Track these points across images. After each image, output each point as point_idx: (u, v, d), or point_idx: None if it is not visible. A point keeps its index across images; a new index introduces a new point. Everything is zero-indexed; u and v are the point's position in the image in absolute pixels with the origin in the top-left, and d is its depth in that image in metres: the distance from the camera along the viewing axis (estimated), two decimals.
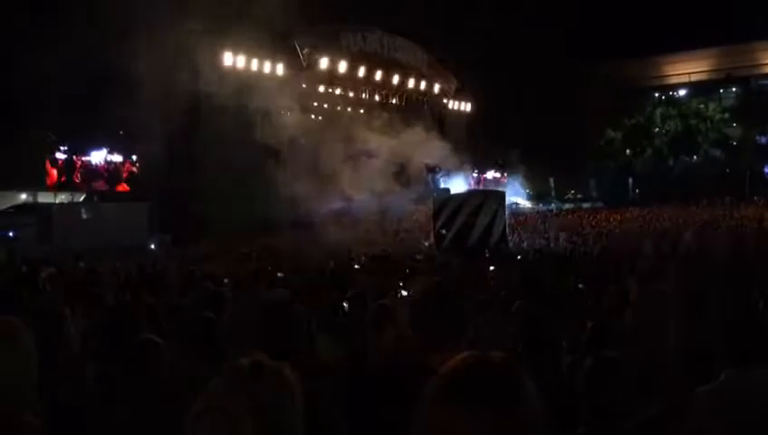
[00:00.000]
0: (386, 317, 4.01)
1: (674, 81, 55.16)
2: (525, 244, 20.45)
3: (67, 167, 28.55)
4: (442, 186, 26.14)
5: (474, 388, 1.06)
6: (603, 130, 51.08)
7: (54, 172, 28.01)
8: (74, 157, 28.80)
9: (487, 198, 20.84)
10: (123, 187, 30.40)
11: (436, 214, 20.86)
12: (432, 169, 27.37)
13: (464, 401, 1.05)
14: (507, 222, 21.16)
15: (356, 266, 12.61)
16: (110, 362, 2.99)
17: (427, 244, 20.06)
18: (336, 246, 18.46)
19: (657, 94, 53.53)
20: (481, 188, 25.33)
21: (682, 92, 53.68)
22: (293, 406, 1.34)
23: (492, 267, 10.69)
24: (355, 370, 3.36)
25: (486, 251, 17.65)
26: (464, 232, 19.53)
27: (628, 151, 50.67)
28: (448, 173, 26.84)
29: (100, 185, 29.79)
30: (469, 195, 22.17)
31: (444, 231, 20.08)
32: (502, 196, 21.71)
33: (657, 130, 50.22)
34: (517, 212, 42.97)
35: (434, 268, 11.09)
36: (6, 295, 6.67)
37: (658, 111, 50.74)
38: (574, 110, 52.45)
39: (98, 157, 30.45)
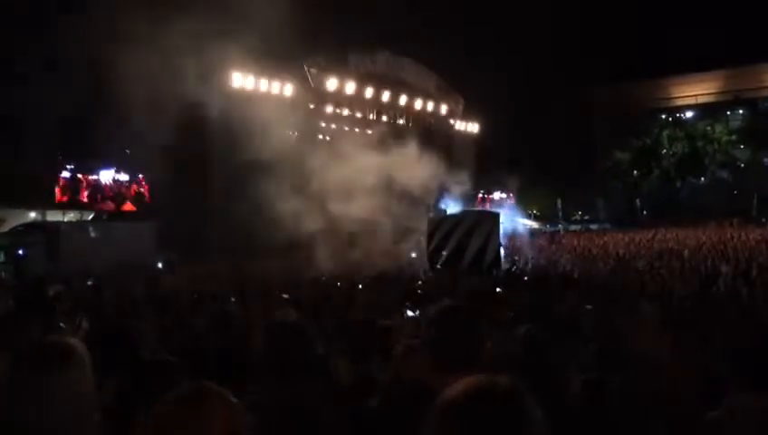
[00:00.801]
0: (389, 339, 4.01)
1: (681, 102, 55.25)
2: (530, 265, 20.26)
3: (72, 186, 28.75)
4: (445, 208, 26.04)
5: (477, 413, 1.05)
6: (611, 152, 51.09)
7: (59, 191, 28.24)
8: (80, 176, 29.00)
9: (481, 219, 20.56)
10: (129, 206, 30.58)
11: (431, 234, 20.70)
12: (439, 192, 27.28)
13: (467, 427, 1.04)
14: (501, 243, 20.96)
15: (359, 286, 12.56)
16: (117, 381, 2.98)
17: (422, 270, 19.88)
18: (341, 266, 18.43)
19: (664, 116, 53.61)
20: (479, 208, 25.08)
21: (689, 114, 53.73)
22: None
23: (498, 289, 10.64)
24: (363, 392, 3.35)
25: (494, 272, 17.50)
26: (457, 253, 19.34)
27: (635, 173, 50.61)
28: (450, 196, 26.71)
29: (107, 204, 29.96)
30: (463, 215, 21.86)
31: (438, 252, 19.91)
32: (496, 216, 21.42)
33: (664, 151, 50.21)
34: (525, 233, 42.98)
35: (443, 290, 11.05)
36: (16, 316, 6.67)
37: (666, 133, 50.77)
38: (582, 131, 52.60)
39: (106, 176, 30.69)
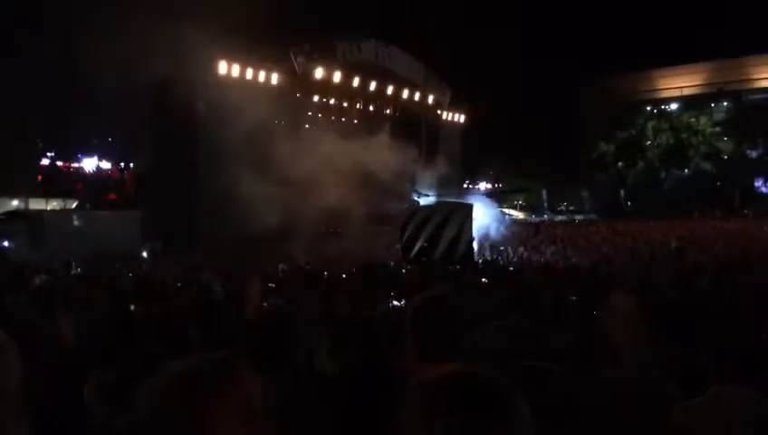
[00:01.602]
0: (373, 329, 4.03)
1: (666, 94, 55.57)
2: (515, 257, 20.34)
3: (52, 173, 28.55)
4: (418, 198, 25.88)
5: (457, 402, 1.04)
6: (596, 143, 51.37)
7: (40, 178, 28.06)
8: (60, 163, 28.79)
9: (454, 211, 20.47)
10: (111, 195, 30.45)
11: (404, 225, 20.63)
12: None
13: (447, 416, 1.03)
14: (473, 235, 20.92)
15: (343, 276, 12.58)
16: (104, 371, 2.99)
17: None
18: (325, 255, 18.44)
19: (649, 108, 53.92)
20: (452, 200, 24.81)
21: (674, 106, 54.08)
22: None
23: (484, 279, 10.70)
24: (347, 383, 3.38)
25: (468, 263, 17.45)
26: (430, 244, 19.33)
27: (620, 164, 50.93)
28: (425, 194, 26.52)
29: (89, 192, 29.79)
30: (437, 206, 21.78)
31: (411, 243, 19.86)
32: (469, 208, 21.32)
33: (648, 143, 50.55)
34: (510, 223, 43.16)
35: (428, 280, 11.09)
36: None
37: (650, 125, 51.08)
38: (567, 122, 52.79)
39: (89, 164, 30.46)
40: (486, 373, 1.10)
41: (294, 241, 19.80)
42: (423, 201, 24.25)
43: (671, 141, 49.44)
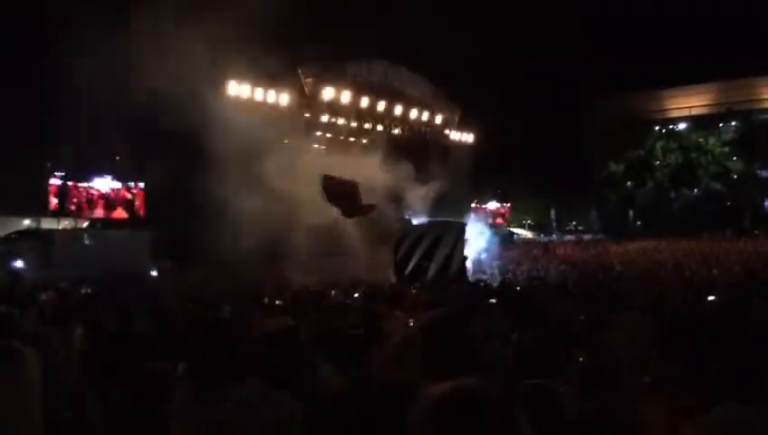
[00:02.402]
0: (379, 345, 4.04)
1: (675, 114, 55.57)
2: (523, 275, 20.23)
3: (62, 194, 28.82)
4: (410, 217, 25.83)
5: (457, 418, 1.04)
6: (605, 163, 51.29)
7: (53, 199, 28.33)
8: (70, 183, 29.06)
9: (447, 230, 20.48)
10: (120, 213, 30.65)
11: (397, 245, 20.58)
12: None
13: (447, 431, 1.04)
14: (465, 254, 20.82)
15: (355, 295, 12.55)
16: (113, 387, 2.99)
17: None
18: (330, 273, 18.42)
19: (657, 127, 53.89)
20: (445, 219, 24.65)
21: (682, 126, 54.02)
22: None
23: (493, 299, 10.64)
24: (353, 398, 3.36)
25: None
26: (424, 263, 19.29)
27: (629, 184, 50.78)
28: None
29: (96, 212, 30.04)
30: (429, 226, 21.77)
31: (404, 262, 19.80)
32: (462, 227, 21.31)
33: (658, 162, 50.40)
34: (517, 242, 43.03)
35: (435, 298, 11.04)
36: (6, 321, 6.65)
37: (659, 145, 50.97)
38: (576, 142, 52.82)
39: (101, 184, 30.73)
40: (487, 389, 1.10)
41: (298, 260, 19.82)
42: (415, 221, 24.24)
43: (680, 161, 49.29)
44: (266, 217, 20.27)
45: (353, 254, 21.47)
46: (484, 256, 24.29)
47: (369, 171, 23.52)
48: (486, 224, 29.04)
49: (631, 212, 51.24)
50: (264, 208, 20.22)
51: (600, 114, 54.30)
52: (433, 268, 19.13)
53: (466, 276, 19.19)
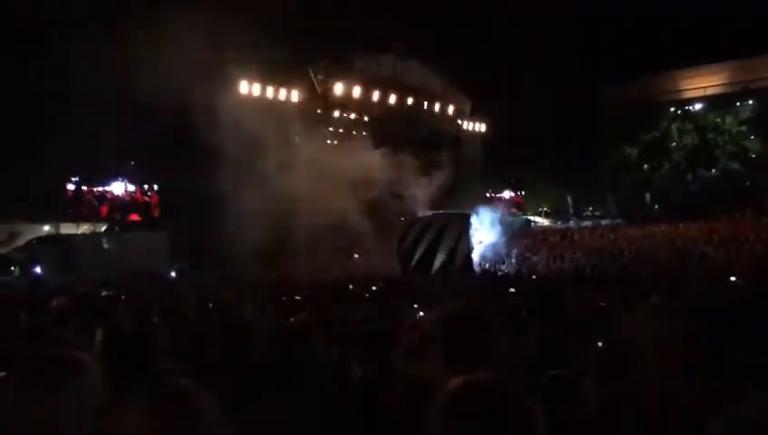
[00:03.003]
0: (398, 339, 4.04)
1: (690, 95, 54.80)
2: (541, 263, 20.10)
3: (77, 198, 29.19)
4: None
5: (472, 411, 1.04)
6: (619, 147, 50.79)
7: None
8: (84, 188, 29.42)
9: (450, 222, 20.22)
10: (135, 216, 31.02)
11: (402, 238, 20.44)
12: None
13: (463, 424, 1.03)
14: (472, 246, 20.56)
15: (373, 288, 12.58)
16: (129, 394, 3.00)
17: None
18: (347, 268, 18.47)
19: (672, 109, 53.22)
20: (450, 211, 24.29)
21: (698, 106, 53.30)
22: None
23: (512, 289, 10.61)
24: (374, 393, 3.36)
25: (468, 274, 17.18)
26: (428, 256, 19.12)
27: (645, 167, 50.26)
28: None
29: (112, 216, 30.41)
30: (433, 218, 21.56)
31: (409, 255, 19.66)
32: (466, 219, 21.02)
33: (674, 144, 49.82)
34: (535, 229, 42.82)
35: (453, 290, 11.05)
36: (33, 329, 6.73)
37: (675, 126, 50.37)
38: (590, 127, 52.33)
39: (117, 188, 31.08)
40: (501, 383, 1.10)
41: (313, 256, 19.90)
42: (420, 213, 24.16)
43: (696, 142, 48.68)
44: (280, 215, 20.37)
45: (365, 248, 21.53)
46: (497, 246, 24.01)
47: (370, 165, 23.55)
48: (500, 213, 28.70)
49: (648, 195, 50.72)
50: (278, 206, 20.31)
51: (612, 98, 53.73)
52: (438, 261, 19.01)
53: (472, 268, 19.06)
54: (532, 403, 1.08)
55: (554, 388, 2.42)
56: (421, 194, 26.02)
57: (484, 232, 23.82)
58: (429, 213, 23.60)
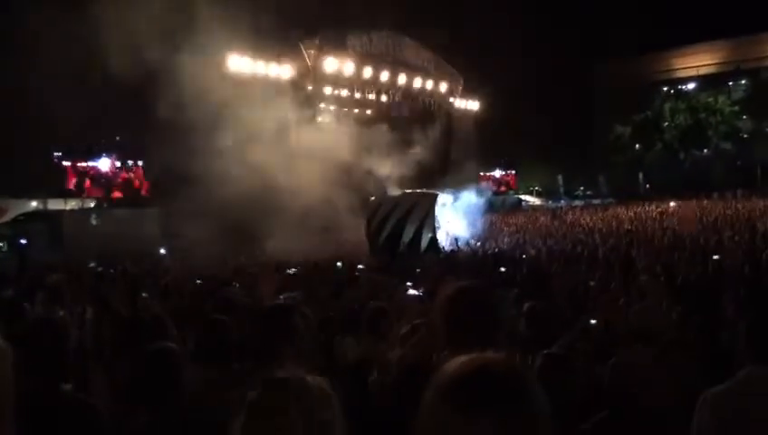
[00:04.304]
0: (389, 318, 4.02)
1: (682, 74, 54.81)
2: (532, 243, 20.07)
3: (61, 173, 29.17)
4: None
5: (473, 392, 1.01)
6: (611, 126, 50.82)
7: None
8: (66, 163, 29.30)
9: (416, 204, 19.97)
10: (119, 192, 30.94)
11: (369, 219, 20.35)
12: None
13: (462, 406, 1.00)
14: (438, 225, 20.38)
15: (360, 267, 12.57)
16: (122, 369, 2.97)
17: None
18: (337, 246, 18.46)
19: (665, 88, 53.22)
20: (417, 190, 23.94)
21: (691, 86, 53.34)
22: (335, 422, 1.30)
23: (502, 268, 10.61)
24: (366, 372, 3.34)
25: (435, 254, 17.06)
26: (394, 238, 19.02)
27: (637, 146, 50.36)
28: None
29: (94, 192, 30.31)
30: (400, 199, 21.27)
31: (376, 235, 19.55)
32: (432, 200, 20.76)
33: (666, 124, 49.89)
34: (525, 209, 42.92)
35: (446, 270, 11.04)
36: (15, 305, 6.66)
37: (667, 106, 50.41)
38: (581, 106, 52.31)
39: (103, 164, 30.88)
40: (502, 361, 1.06)
41: (299, 235, 19.84)
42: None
43: (689, 122, 48.77)
44: (267, 193, 20.28)
45: (346, 228, 21.50)
46: (473, 227, 23.69)
47: (341, 144, 23.44)
48: (486, 192, 28.34)
49: (641, 175, 50.87)
50: (265, 184, 20.21)
51: (604, 77, 53.67)
52: (404, 241, 18.89)
53: (439, 249, 18.94)
54: (534, 383, 1.05)
55: (549, 366, 2.39)
56: (394, 172, 25.88)
57: (461, 213, 23.61)
58: (397, 193, 23.42)
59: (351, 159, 24.20)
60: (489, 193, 37.96)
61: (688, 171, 47.22)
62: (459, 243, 18.99)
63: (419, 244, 18.90)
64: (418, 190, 23.32)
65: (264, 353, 2.52)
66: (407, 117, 36.41)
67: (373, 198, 23.96)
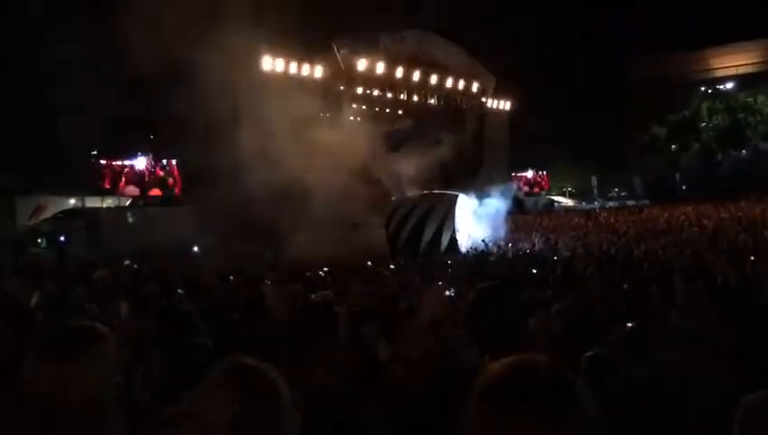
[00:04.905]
0: (419, 317, 4.02)
1: (720, 74, 53.61)
2: (565, 245, 19.81)
3: (97, 171, 29.83)
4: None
5: (517, 393, 1.00)
6: (647, 127, 49.92)
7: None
8: (103, 162, 29.94)
9: (435, 205, 19.76)
10: (155, 191, 31.45)
11: (388, 220, 20.21)
12: None
13: (506, 407, 0.99)
14: (456, 227, 20.14)
15: (391, 266, 12.58)
16: (154, 363, 3.01)
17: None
18: (369, 246, 18.47)
19: (703, 88, 52.10)
20: (437, 192, 23.63)
21: (729, 85, 52.13)
22: (279, 409, 1.30)
23: (534, 270, 10.53)
24: (395, 369, 3.34)
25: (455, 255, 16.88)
26: (413, 239, 18.87)
27: (673, 147, 49.38)
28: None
29: (129, 190, 30.88)
30: (419, 200, 21.09)
31: (395, 237, 19.42)
32: (452, 201, 20.51)
33: (703, 124, 48.84)
34: (558, 210, 42.44)
35: (478, 271, 10.98)
36: (59, 299, 6.84)
37: (705, 106, 49.33)
38: (616, 106, 51.50)
39: (138, 162, 31.48)
40: (549, 363, 1.05)
41: (330, 233, 19.89)
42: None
43: (727, 122, 47.66)
44: (296, 193, 20.40)
45: (374, 226, 21.51)
46: (493, 229, 23.35)
47: (370, 144, 23.35)
48: (504, 192, 27.92)
49: (677, 176, 49.88)
50: (293, 183, 20.32)
51: (640, 77, 52.74)
52: (423, 242, 18.77)
53: (458, 249, 18.77)
54: (581, 384, 1.04)
55: (595, 369, 2.37)
56: (423, 172, 25.75)
57: (486, 215, 23.36)
58: (417, 194, 23.30)
59: (380, 159, 24.22)
60: (516, 193, 37.48)
61: (726, 172, 46.11)
62: (486, 244, 18.84)
63: (439, 244, 18.82)
64: (437, 191, 23.22)
65: (299, 350, 2.54)
66: (438, 117, 36.29)
67: (394, 198, 23.94)
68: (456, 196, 21.17)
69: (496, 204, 24.04)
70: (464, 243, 20.01)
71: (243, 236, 22.42)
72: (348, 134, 24.61)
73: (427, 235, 19.02)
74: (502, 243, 20.21)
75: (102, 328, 1.71)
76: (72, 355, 1.59)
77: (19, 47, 22.66)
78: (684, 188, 48.82)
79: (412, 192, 24.39)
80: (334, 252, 16.17)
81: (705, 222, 22.23)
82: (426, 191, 23.52)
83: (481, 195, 23.94)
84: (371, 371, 3.33)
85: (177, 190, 32.26)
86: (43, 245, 22.94)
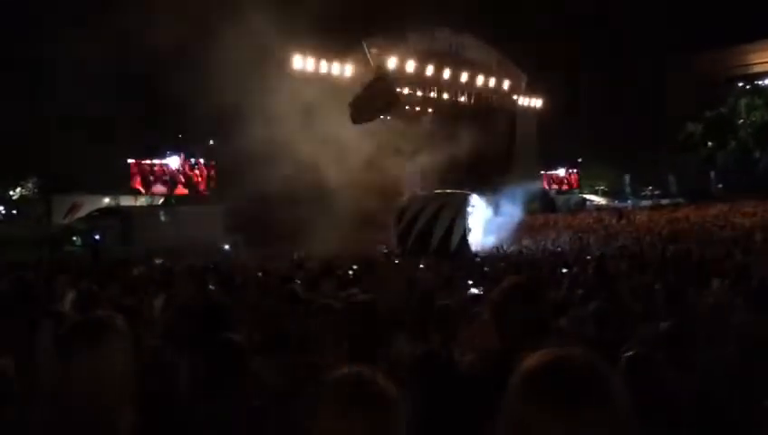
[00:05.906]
0: (448, 316, 4.01)
1: (759, 69, 52.29)
2: (596, 244, 19.56)
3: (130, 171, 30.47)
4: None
5: (553, 387, 1.01)
6: (681, 123, 48.94)
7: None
8: (130, 161, 30.56)
9: (445, 204, 19.65)
10: (183, 189, 31.96)
11: (398, 218, 20.16)
12: None
13: (543, 401, 1.00)
14: (468, 226, 19.99)
15: (421, 266, 12.55)
16: (189, 358, 3.05)
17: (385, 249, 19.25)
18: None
19: (741, 84, 50.87)
20: (452, 191, 23.41)
21: None
22: (397, 420, 1.28)
23: (565, 269, 10.40)
24: (425, 368, 3.33)
25: (465, 255, 16.76)
26: (423, 238, 18.79)
27: (709, 144, 48.31)
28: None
29: (158, 189, 31.44)
30: (430, 199, 21.00)
31: (406, 235, 19.36)
32: (462, 200, 20.34)
33: (741, 121, 47.70)
34: (589, 208, 41.90)
35: (507, 269, 10.91)
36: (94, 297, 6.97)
37: (743, 102, 48.16)
38: (652, 102, 50.58)
39: (174, 162, 32.00)
40: (585, 357, 1.05)
41: (355, 232, 19.94)
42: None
43: (766, 118, 46.47)
44: (326, 191, 20.49)
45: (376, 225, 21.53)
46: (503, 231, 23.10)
47: (398, 143, 23.25)
48: (525, 193, 27.54)
49: (712, 174, 48.81)
50: (338, 181, 20.40)
51: (677, 72, 51.72)
52: (433, 241, 18.70)
53: (469, 249, 18.67)
54: (615, 379, 1.04)
55: (636, 368, 2.34)
56: (452, 170, 25.64)
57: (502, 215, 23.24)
58: (428, 193, 23.21)
59: (408, 158, 24.18)
60: (548, 191, 37.03)
61: (763, 171, 44.97)
62: (498, 250, 18.82)
63: (449, 244, 18.78)
64: (449, 190, 23.15)
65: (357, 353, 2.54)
66: (468, 115, 36.12)
67: (406, 197, 23.95)
68: (467, 195, 21.14)
69: (510, 209, 24.04)
70: (474, 242, 20.01)
71: (271, 234, 22.65)
72: (375, 133, 24.64)
73: (438, 233, 19.01)
74: (513, 247, 20.11)
75: (119, 322, 1.74)
76: (85, 348, 1.62)
77: (47, 48, 23.10)
78: (720, 186, 47.78)
79: (444, 189, 24.41)
80: (360, 250, 16.22)
81: (742, 221, 21.75)
82: (436, 190, 23.55)
83: (497, 199, 23.91)
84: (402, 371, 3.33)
85: (206, 189, 32.74)
86: (78, 243, 23.45)
